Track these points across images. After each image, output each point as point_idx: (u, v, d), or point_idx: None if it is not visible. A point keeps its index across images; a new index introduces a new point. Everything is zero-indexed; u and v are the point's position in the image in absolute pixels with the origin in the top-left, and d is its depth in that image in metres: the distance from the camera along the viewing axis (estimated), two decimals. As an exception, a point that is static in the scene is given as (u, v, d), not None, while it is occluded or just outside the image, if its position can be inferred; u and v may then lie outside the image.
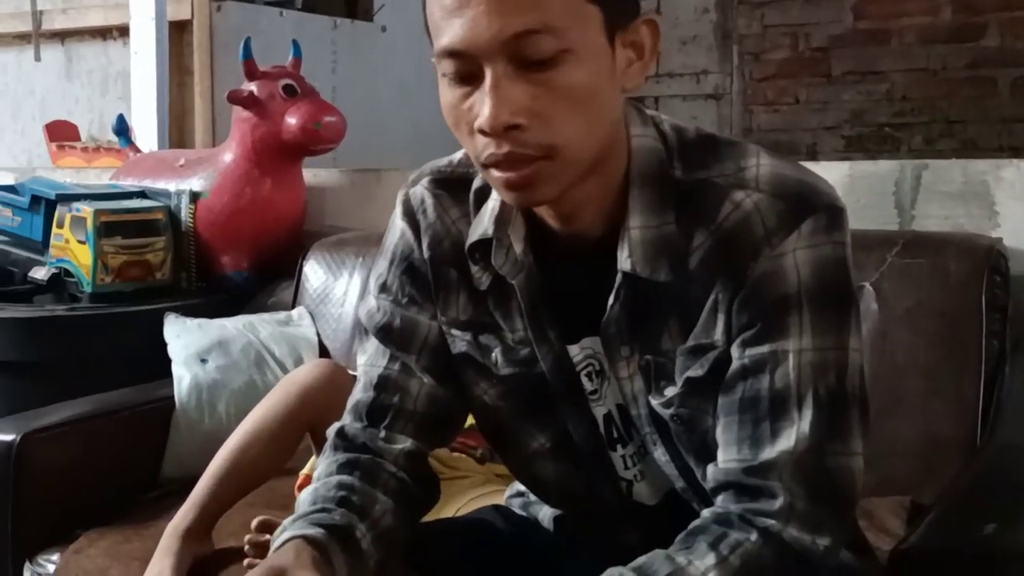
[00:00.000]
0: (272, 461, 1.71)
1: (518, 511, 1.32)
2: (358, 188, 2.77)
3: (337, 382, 1.70)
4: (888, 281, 1.76)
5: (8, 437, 1.84)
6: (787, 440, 0.98)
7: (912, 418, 1.71)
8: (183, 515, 1.65)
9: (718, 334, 1.01)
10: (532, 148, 0.95)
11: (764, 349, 0.99)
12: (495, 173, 0.98)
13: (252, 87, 2.48)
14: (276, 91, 2.47)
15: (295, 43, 2.61)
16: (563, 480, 1.17)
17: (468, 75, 0.96)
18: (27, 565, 1.83)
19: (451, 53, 0.95)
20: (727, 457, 1.01)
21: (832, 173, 2.08)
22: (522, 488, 1.29)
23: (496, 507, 1.36)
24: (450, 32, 0.94)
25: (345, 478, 1.11)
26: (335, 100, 2.73)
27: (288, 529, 1.04)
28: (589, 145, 0.98)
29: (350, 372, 1.80)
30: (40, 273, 2.45)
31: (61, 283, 2.43)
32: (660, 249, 1.02)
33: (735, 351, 1.01)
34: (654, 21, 1.01)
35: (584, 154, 0.98)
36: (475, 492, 1.66)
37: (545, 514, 1.27)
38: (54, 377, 2.20)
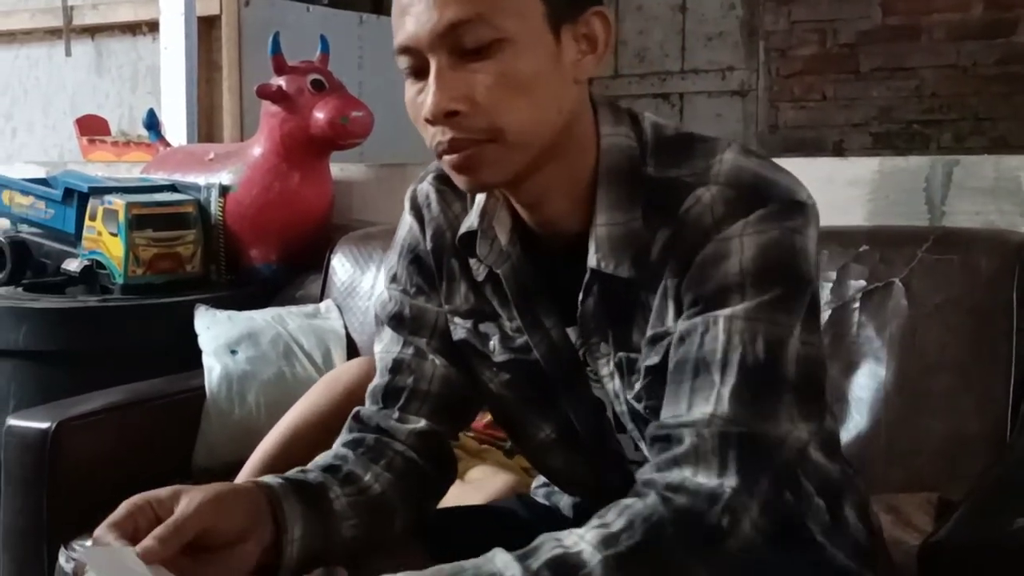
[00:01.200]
0: (311, 458, 1.70)
1: (541, 500, 1.33)
2: (384, 183, 2.78)
3: None
4: (918, 277, 1.75)
5: (43, 425, 1.87)
6: (705, 403, 0.96)
7: (941, 415, 1.70)
8: None
9: (670, 320, 1.02)
10: (474, 132, 0.99)
11: (698, 318, 0.99)
12: (444, 159, 1.02)
13: (280, 82, 2.50)
14: (304, 86, 2.49)
15: (323, 38, 2.63)
16: (572, 469, 1.19)
17: (420, 69, 1.00)
18: (62, 551, 1.84)
19: (403, 50, 1.00)
20: (654, 422, 1.01)
21: (862, 169, 2.08)
22: (546, 479, 1.31)
23: (519, 496, 1.38)
24: (401, 30, 1.00)
25: (343, 451, 1.15)
26: (361, 95, 2.74)
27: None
28: (535, 130, 1.00)
29: None
30: (73, 265, 2.48)
31: (93, 275, 2.46)
32: (625, 245, 1.03)
33: (677, 327, 1.01)
34: (604, 14, 1.03)
35: (530, 138, 1.00)
36: (491, 465, 1.67)
37: (566, 503, 1.29)
38: (87, 367, 2.22)
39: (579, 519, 1.22)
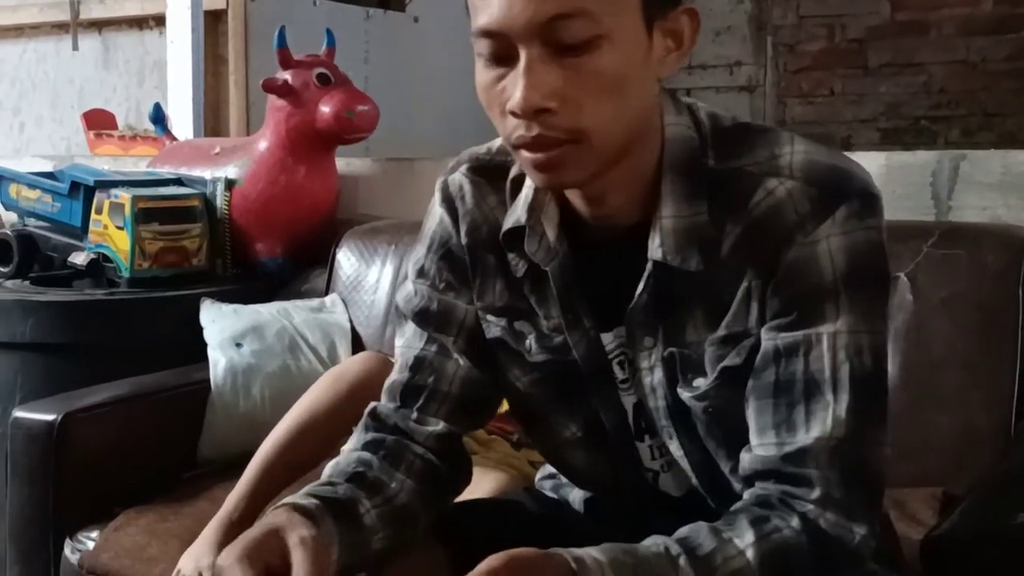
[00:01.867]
0: (320, 452, 1.69)
1: (549, 493, 1.33)
2: (390, 177, 2.78)
3: (386, 376, 1.71)
4: (924, 272, 1.74)
5: (50, 417, 1.88)
6: (822, 425, 0.98)
7: (947, 409, 1.70)
8: (232, 506, 1.65)
9: (752, 322, 1.01)
10: (560, 132, 0.96)
11: (799, 333, 0.99)
12: (524, 154, 0.99)
13: (286, 76, 2.50)
14: (310, 80, 2.49)
15: (329, 32, 2.63)
16: (593, 468, 1.18)
17: (503, 56, 0.96)
18: (67, 542, 1.86)
19: (487, 33, 0.96)
20: (763, 442, 1.01)
21: (868, 163, 2.05)
22: (553, 470, 1.30)
23: (527, 489, 1.37)
24: (487, 12, 0.95)
25: (366, 455, 1.12)
26: (367, 90, 2.74)
27: (285, 499, 1.05)
28: (617, 131, 0.98)
29: None
30: (79, 258, 2.48)
31: (100, 268, 2.46)
32: (691, 238, 1.01)
33: (766, 334, 1.00)
34: (695, 11, 1.00)
35: (612, 140, 0.98)
36: (504, 474, 1.67)
37: (576, 496, 1.28)
38: (93, 359, 2.23)
39: (590, 513, 1.25)
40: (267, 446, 1.68)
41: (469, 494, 1.24)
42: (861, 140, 4.54)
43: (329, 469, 1.12)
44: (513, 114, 0.96)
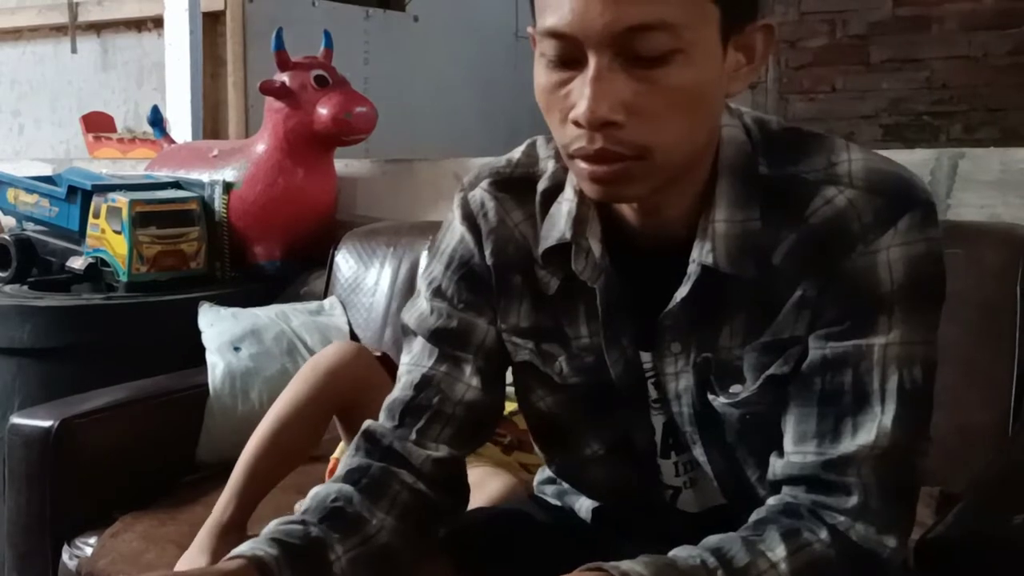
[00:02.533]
0: (302, 444, 1.71)
1: (552, 499, 1.30)
2: (389, 178, 2.78)
3: (362, 363, 1.72)
4: (923, 270, 1.73)
5: (47, 423, 1.87)
6: (867, 434, 0.96)
7: (945, 408, 1.65)
8: (221, 510, 1.65)
9: (801, 329, 0.99)
10: (626, 147, 0.91)
11: (849, 344, 0.97)
12: (581, 165, 0.94)
13: (284, 78, 2.50)
14: (308, 81, 2.49)
15: (327, 33, 2.63)
16: (612, 483, 1.16)
17: (569, 60, 0.91)
18: (65, 548, 1.85)
19: (555, 34, 0.91)
20: (801, 449, 0.98)
21: (866, 161, 2.07)
22: (552, 475, 1.27)
23: (532, 497, 1.34)
24: (558, 12, 0.90)
25: (346, 488, 1.07)
26: (367, 91, 2.74)
27: (249, 542, 1.00)
28: (683, 150, 0.94)
29: (374, 353, 1.81)
30: (77, 263, 2.48)
31: (98, 272, 2.46)
32: (744, 244, 0.98)
33: (815, 342, 0.98)
34: (771, 26, 0.96)
35: (678, 158, 0.94)
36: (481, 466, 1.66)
37: (583, 504, 1.25)
38: (91, 364, 2.22)
39: (597, 522, 1.22)
40: (251, 446, 1.68)
41: (474, 499, 1.22)
42: (864, 136, 4.53)
43: (308, 501, 1.07)
44: (576, 123, 0.92)
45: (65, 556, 1.85)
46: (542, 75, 0.94)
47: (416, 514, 1.09)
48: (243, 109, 3.31)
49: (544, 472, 1.32)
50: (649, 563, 0.92)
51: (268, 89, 2.50)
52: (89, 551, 1.82)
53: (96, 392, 2.02)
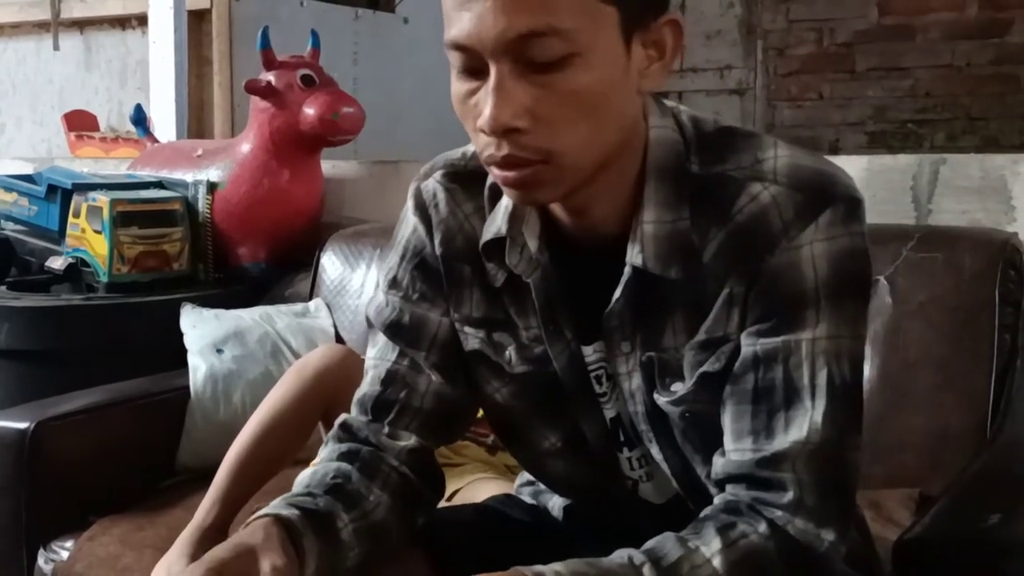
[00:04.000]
0: (288, 448, 1.69)
1: (528, 499, 1.32)
2: (376, 180, 2.77)
3: (349, 366, 1.70)
4: (902, 275, 1.75)
5: (22, 425, 1.85)
6: (799, 430, 0.97)
7: (923, 411, 1.71)
8: (204, 513, 1.63)
9: (732, 327, 1.00)
10: (531, 152, 0.93)
11: (778, 340, 0.98)
12: (495, 171, 0.97)
13: (270, 77, 2.48)
14: (294, 81, 2.47)
15: (314, 33, 2.61)
16: (573, 476, 1.17)
17: (474, 69, 0.93)
18: (41, 552, 1.84)
19: (457, 46, 0.93)
20: (738, 447, 1.00)
21: (850, 167, 2.05)
22: (531, 477, 1.29)
23: (508, 495, 1.36)
24: (458, 25, 0.92)
25: (343, 466, 1.10)
26: (356, 91, 2.74)
27: (265, 508, 1.03)
28: (592, 151, 0.96)
29: (362, 357, 1.80)
30: (57, 263, 2.46)
31: (78, 273, 2.44)
32: (673, 245, 1.00)
33: (746, 339, 1.00)
34: (677, 21, 0.98)
35: (586, 159, 0.96)
36: (476, 475, 1.66)
37: (555, 503, 1.27)
38: (70, 366, 2.21)
39: (569, 520, 1.25)
40: (236, 449, 1.66)
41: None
42: (849, 144, 4.56)
43: (306, 478, 1.10)
44: (482, 131, 0.94)
45: (41, 560, 1.84)
46: (455, 84, 0.97)
47: (404, 496, 1.12)
48: (229, 109, 3.29)
49: (524, 475, 1.33)
50: (570, 563, 0.94)
51: (254, 88, 2.48)
52: (65, 555, 1.80)
53: (74, 394, 2.00)
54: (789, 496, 0.97)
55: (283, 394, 1.69)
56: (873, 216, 1.04)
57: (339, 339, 2.30)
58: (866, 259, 0.99)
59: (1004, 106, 4.27)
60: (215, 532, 1.61)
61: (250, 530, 0.99)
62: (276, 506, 1.03)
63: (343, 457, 1.11)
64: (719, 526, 0.97)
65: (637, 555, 0.95)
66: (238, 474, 1.64)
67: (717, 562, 0.94)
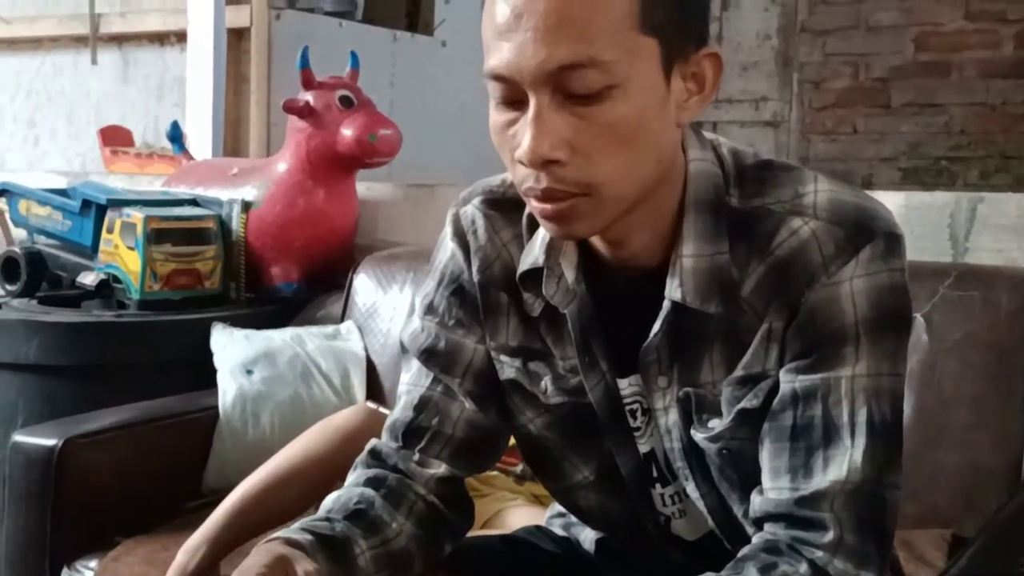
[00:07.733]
0: (294, 505, 1.61)
1: (559, 531, 1.31)
2: (411, 203, 2.77)
3: (377, 429, 1.66)
4: (939, 313, 1.75)
5: (50, 442, 1.85)
6: (839, 469, 0.96)
7: (957, 450, 1.71)
8: (187, 556, 1.53)
9: (771, 363, 0.99)
10: (570, 184, 0.93)
11: (817, 377, 0.97)
12: (534, 203, 0.97)
13: (308, 97, 2.48)
14: (332, 102, 2.47)
15: (353, 54, 2.61)
16: (605, 510, 1.16)
17: (514, 100, 0.94)
18: (65, 570, 1.83)
19: (496, 77, 0.94)
20: (776, 485, 0.99)
21: (888, 203, 2.04)
22: (562, 509, 1.28)
23: (538, 527, 1.35)
24: (497, 55, 0.93)
25: (368, 491, 1.10)
26: (392, 114, 2.72)
27: (279, 532, 1.03)
28: (631, 183, 0.96)
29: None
30: (88, 278, 2.46)
31: (109, 289, 2.44)
32: (712, 279, 1.00)
33: (785, 376, 0.99)
34: (717, 54, 0.98)
35: (625, 192, 0.96)
36: (506, 504, 1.63)
37: (587, 536, 1.26)
38: (99, 383, 2.21)
39: (600, 553, 1.24)
40: (238, 492, 1.59)
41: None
42: (882, 179, 4.55)
43: (329, 502, 1.10)
44: (521, 162, 0.94)
45: (64, 578, 1.83)
46: (493, 114, 0.97)
47: (431, 524, 1.12)
48: (265, 128, 3.29)
49: (556, 507, 1.32)
50: None
51: (292, 108, 2.47)
52: (90, 574, 1.79)
53: (102, 412, 2.00)
54: (829, 536, 0.96)
55: (303, 448, 1.64)
56: (911, 253, 1.04)
57: (370, 362, 2.28)
58: (906, 295, 0.99)
59: (1038, 145, 4.26)
60: (197, 572, 1.52)
61: (267, 548, 0.99)
62: (290, 531, 1.03)
63: (369, 483, 1.11)
64: (760, 566, 0.96)
65: None
66: (234, 518, 1.56)
67: None
